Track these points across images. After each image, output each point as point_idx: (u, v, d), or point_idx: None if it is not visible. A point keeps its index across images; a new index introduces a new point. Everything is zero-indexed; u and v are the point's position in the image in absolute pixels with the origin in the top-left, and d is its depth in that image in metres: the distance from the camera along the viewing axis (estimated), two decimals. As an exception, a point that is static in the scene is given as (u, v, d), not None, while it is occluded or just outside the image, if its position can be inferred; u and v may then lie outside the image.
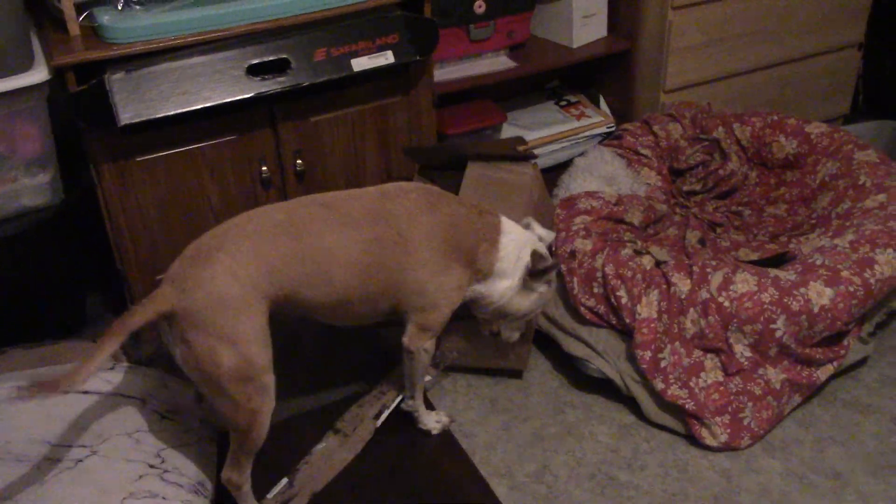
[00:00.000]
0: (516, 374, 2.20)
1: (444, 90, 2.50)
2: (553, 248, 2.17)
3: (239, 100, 2.01)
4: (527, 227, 1.97)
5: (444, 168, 2.23)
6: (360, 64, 2.12)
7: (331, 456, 1.96)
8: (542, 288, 1.96)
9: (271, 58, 2.03)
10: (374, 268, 1.78)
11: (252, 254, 1.66)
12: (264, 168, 2.18)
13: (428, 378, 2.09)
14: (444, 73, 2.57)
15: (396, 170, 2.36)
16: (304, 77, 2.06)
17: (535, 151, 2.68)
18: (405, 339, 1.89)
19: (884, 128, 2.78)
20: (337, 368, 2.22)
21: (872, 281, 2.04)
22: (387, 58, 2.13)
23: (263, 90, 2.03)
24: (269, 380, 1.67)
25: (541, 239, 1.97)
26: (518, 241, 1.91)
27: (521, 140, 2.32)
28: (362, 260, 1.77)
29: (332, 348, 2.28)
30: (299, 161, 2.22)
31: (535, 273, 1.91)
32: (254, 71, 2.02)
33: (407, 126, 2.33)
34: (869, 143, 2.48)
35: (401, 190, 1.87)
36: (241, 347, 1.60)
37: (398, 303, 1.84)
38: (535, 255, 1.92)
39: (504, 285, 1.92)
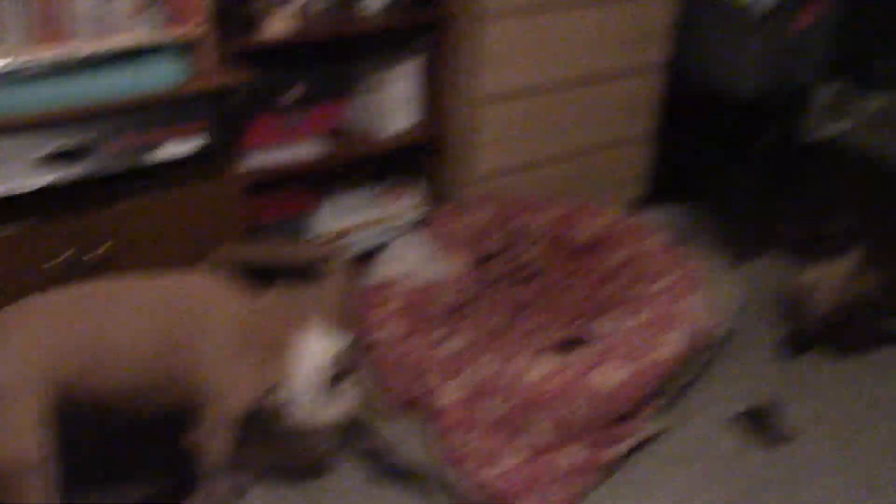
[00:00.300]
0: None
1: (258, 178, 2.50)
2: (356, 345, 2.18)
3: (38, 188, 1.94)
4: (327, 332, 1.98)
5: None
6: (165, 152, 2.10)
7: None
8: (348, 393, 1.96)
9: (71, 144, 1.98)
10: (163, 356, 1.73)
11: (34, 337, 1.58)
12: (65, 256, 2.10)
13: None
14: (259, 160, 2.57)
15: (207, 258, 2.33)
16: (106, 164, 2.02)
17: (350, 237, 2.72)
18: (194, 434, 1.84)
19: (673, 213, 3.00)
20: (136, 464, 2.13)
21: (661, 361, 2.18)
22: (193, 146, 2.12)
23: (61, 178, 1.97)
24: (48, 474, 1.58)
25: (339, 344, 1.99)
26: (323, 347, 1.92)
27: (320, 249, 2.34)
28: (151, 347, 1.72)
29: (131, 442, 2.18)
30: (102, 250, 2.15)
31: (337, 376, 1.92)
32: (52, 158, 1.96)
33: (217, 214, 2.31)
34: (658, 228, 2.67)
35: (202, 279, 1.86)
36: (11, 438, 1.51)
37: (190, 395, 1.79)
38: (335, 358, 1.92)
39: (308, 392, 1.91)
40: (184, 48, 2.18)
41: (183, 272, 1.88)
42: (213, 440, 1.84)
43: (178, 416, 1.90)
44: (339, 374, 1.92)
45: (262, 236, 2.57)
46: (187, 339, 1.76)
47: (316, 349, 1.91)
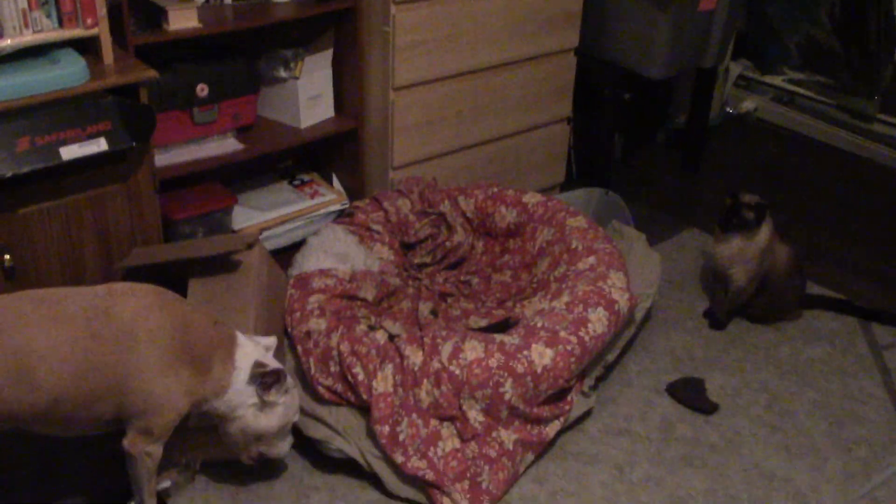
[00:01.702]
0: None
1: (170, 174, 2.44)
2: (282, 346, 2.14)
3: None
4: (253, 338, 1.95)
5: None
6: (71, 152, 2.02)
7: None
8: (282, 398, 1.93)
9: (-33, 148, 1.89)
10: (89, 368, 1.68)
11: None
12: (-34, 267, 2.01)
13: (167, 484, 1.99)
14: (169, 157, 2.50)
15: (119, 263, 2.25)
16: (5, 168, 1.93)
17: (269, 232, 2.67)
18: (125, 443, 1.78)
19: (591, 195, 3.03)
20: (57, 480, 2.05)
21: (587, 338, 2.20)
22: (99, 145, 2.05)
23: (-42, 184, 1.88)
24: None
25: (267, 348, 1.95)
26: (252, 356, 1.88)
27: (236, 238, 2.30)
28: (75, 359, 1.66)
29: (52, 456, 2.10)
30: (7, 257, 2.06)
31: (263, 384, 1.88)
32: (-54, 164, 1.87)
33: (128, 214, 2.24)
34: (579, 210, 2.70)
35: (130, 289, 1.80)
36: None
37: (120, 407, 1.74)
38: (256, 365, 1.87)
39: (244, 401, 1.87)
40: (84, 46, 2.11)
41: (112, 283, 1.83)
42: (147, 449, 1.79)
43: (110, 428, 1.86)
44: (271, 380, 1.89)
45: (178, 236, 2.50)
46: (116, 348, 1.71)
47: (246, 357, 1.87)
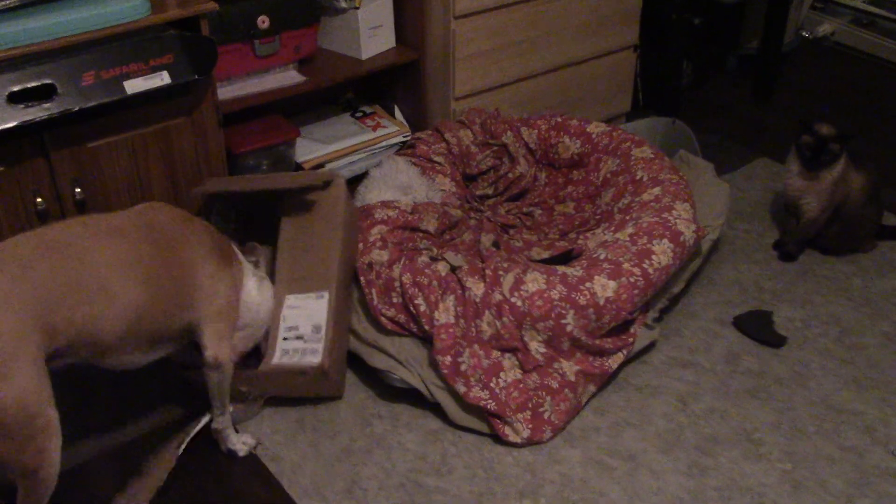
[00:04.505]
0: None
1: (232, 108, 2.45)
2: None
3: (4, 130, 1.89)
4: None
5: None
6: (135, 86, 2.04)
7: (134, 498, 1.88)
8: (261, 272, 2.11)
9: (34, 84, 1.92)
10: (156, 273, 1.76)
11: (16, 281, 1.55)
12: (39, 200, 2.06)
13: (237, 407, 2.06)
14: (231, 91, 2.51)
15: (185, 195, 2.29)
16: (72, 102, 1.96)
17: (332, 165, 2.68)
18: (209, 354, 1.87)
19: (658, 124, 2.96)
20: (131, 404, 2.13)
21: (651, 270, 2.16)
22: (162, 78, 2.06)
23: (28, 118, 1.91)
24: (53, 414, 1.57)
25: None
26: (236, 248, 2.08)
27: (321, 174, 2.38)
28: (141, 266, 1.74)
29: (123, 383, 2.18)
30: (78, 190, 2.10)
31: (255, 262, 2.11)
32: (16, 98, 1.90)
33: (193, 147, 2.26)
34: (644, 140, 2.63)
35: (154, 205, 1.93)
36: (16, 381, 1.50)
37: (192, 312, 1.84)
38: (250, 247, 2.12)
39: (248, 278, 2.02)
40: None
41: (133, 206, 1.94)
42: (229, 355, 1.91)
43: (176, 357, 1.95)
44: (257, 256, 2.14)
45: (242, 169, 2.52)
46: (173, 252, 1.81)
47: (237, 250, 2.06)
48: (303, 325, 2.07)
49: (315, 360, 2.01)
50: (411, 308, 2.12)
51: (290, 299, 2.11)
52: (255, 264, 2.13)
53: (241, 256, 2.05)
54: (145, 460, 1.96)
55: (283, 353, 2.04)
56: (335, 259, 2.12)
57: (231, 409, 2.01)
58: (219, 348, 1.88)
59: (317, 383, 2.06)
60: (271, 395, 2.14)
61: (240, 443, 2.00)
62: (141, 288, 1.73)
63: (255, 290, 2.03)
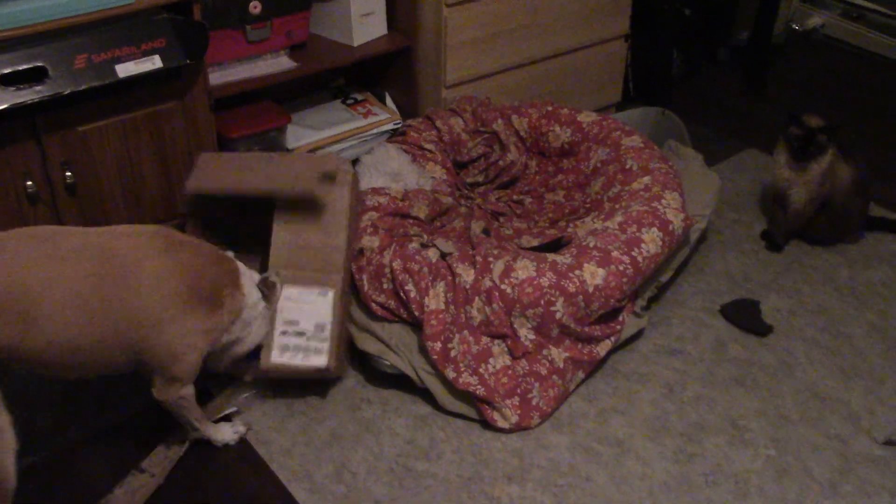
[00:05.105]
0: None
1: (224, 93, 2.45)
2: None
3: (-7, 112, 1.89)
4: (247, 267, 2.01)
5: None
6: (126, 69, 2.04)
7: (135, 492, 1.87)
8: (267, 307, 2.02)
9: (26, 66, 1.92)
10: (95, 307, 1.65)
11: None
12: (29, 183, 2.06)
13: (232, 409, 2.07)
14: (223, 76, 2.51)
15: (176, 179, 2.29)
16: (63, 85, 1.96)
17: (323, 151, 2.68)
18: (155, 393, 1.80)
19: (648, 114, 2.97)
20: (131, 403, 2.14)
21: (640, 259, 2.18)
22: (154, 62, 2.06)
23: (19, 101, 1.91)
24: (3, 421, 1.54)
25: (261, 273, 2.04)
26: (252, 278, 1.96)
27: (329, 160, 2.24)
28: (80, 297, 1.64)
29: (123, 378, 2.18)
30: (68, 174, 2.10)
31: (269, 297, 1.98)
32: (7, 81, 1.90)
33: (184, 132, 2.26)
34: (634, 129, 2.65)
35: (133, 231, 1.80)
36: None
37: (138, 358, 1.74)
38: (269, 283, 1.98)
39: (254, 316, 1.94)
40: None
41: (115, 226, 1.83)
42: (179, 394, 1.82)
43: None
44: (272, 290, 2.01)
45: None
46: (119, 288, 1.68)
47: (249, 280, 1.94)
48: (304, 321, 2.04)
49: (321, 361, 2.01)
50: (402, 294, 2.13)
51: (289, 291, 2.06)
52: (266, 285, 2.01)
53: (243, 278, 1.91)
54: (151, 462, 1.95)
55: (283, 349, 2.03)
56: (340, 254, 2.08)
57: (233, 409, 2.04)
58: (161, 392, 1.80)
59: (318, 377, 2.07)
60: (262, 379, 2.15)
61: (229, 433, 1.99)
62: (69, 322, 1.63)
63: (259, 304, 1.96)
